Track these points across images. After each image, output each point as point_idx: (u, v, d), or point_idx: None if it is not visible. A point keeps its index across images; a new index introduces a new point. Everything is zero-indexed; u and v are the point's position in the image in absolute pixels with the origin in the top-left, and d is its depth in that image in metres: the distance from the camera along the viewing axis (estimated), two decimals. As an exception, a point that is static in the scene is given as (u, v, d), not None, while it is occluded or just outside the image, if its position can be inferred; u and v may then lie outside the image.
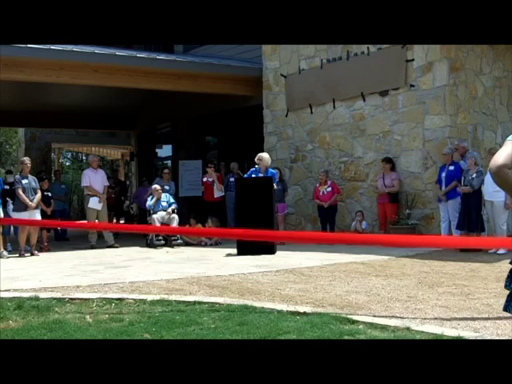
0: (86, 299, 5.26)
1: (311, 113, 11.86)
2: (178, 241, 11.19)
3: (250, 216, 8.60)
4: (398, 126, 10.45)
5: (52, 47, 10.36)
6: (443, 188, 9.40)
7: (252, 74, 12.85)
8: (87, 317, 4.55)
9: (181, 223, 11.41)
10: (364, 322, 4.12)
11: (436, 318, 4.29)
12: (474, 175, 8.84)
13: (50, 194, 11.24)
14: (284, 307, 4.67)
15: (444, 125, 9.81)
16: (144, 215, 12.96)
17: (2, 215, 9.79)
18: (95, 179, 11.18)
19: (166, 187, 12.01)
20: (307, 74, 11.86)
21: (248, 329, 3.97)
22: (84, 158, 31.20)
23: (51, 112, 17.83)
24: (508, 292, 2.30)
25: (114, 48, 11.76)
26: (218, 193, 12.17)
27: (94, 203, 10.99)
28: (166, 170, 13.02)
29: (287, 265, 7.47)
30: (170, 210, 11.08)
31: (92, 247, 10.90)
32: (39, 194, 9.99)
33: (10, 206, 10.21)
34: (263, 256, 8.53)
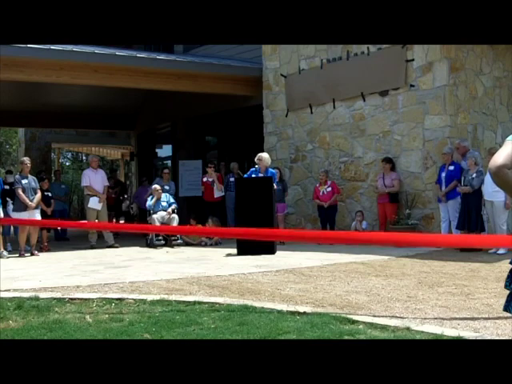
0: (85, 299, 5.26)
1: (311, 113, 11.86)
2: (178, 241, 11.19)
3: (250, 216, 8.60)
4: (398, 126, 10.45)
5: (52, 47, 10.36)
6: (443, 188, 9.40)
7: (252, 74, 12.85)
8: (87, 317, 4.55)
9: (181, 223, 11.41)
10: (364, 322, 4.12)
11: (436, 318, 4.29)
12: (474, 175, 8.84)
13: (50, 194, 11.24)
14: (284, 307, 4.67)
15: (444, 125, 9.81)
16: (144, 215, 12.96)
17: (2, 215, 9.79)
18: (95, 179, 11.18)
19: (166, 187, 12.01)
20: (307, 74, 11.86)
21: (248, 329, 3.97)
22: (84, 158, 31.20)
23: (51, 112, 17.83)
24: (508, 292, 2.30)
25: (114, 48, 11.76)
26: (217, 193, 12.17)
27: (94, 203, 11.00)
28: (166, 170, 13.02)
29: (287, 265, 7.47)
30: (170, 210, 11.08)
31: (92, 247, 10.90)
32: (39, 194, 9.99)
33: (10, 206, 10.21)
34: (263, 256, 8.53)
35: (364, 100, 10.94)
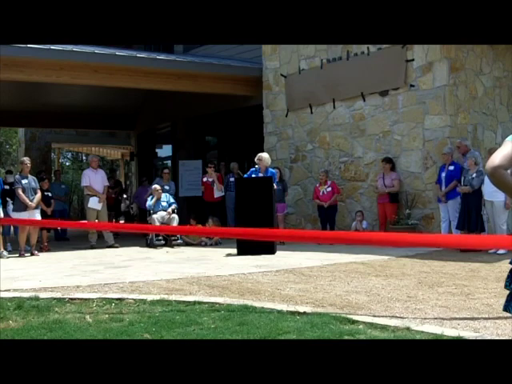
0: (86, 299, 5.26)
1: (311, 113, 11.86)
2: (178, 241, 11.20)
3: (249, 216, 8.61)
4: (398, 125, 10.45)
5: (52, 47, 10.36)
6: (443, 188, 9.40)
7: (252, 74, 12.85)
8: (87, 317, 4.55)
9: (181, 223, 11.41)
10: (364, 322, 4.12)
11: (436, 318, 4.29)
12: (474, 175, 8.84)
13: (50, 194, 11.24)
14: (284, 307, 4.67)
15: (444, 125, 9.81)
16: (144, 215, 12.97)
17: (2, 215, 9.79)
18: (95, 179, 11.18)
19: (166, 187, 12.01)
20: (307, 74, 11.86)
21: (248, 329, 3.97)
22: (84, 157, 31.20)
23: (51, 112, 17.83)
24: (508, 292, 2.30)
25: (114, 48, 11.76)
26: (217, 193, 12.17)
27: (94, 203, 11.00)
28: (166, 170, 13.02)
29: (287, 265, 7.47)
30: (170, 210, 11.08)
31: (92, 247, 10.90)
32: (39, 194, 9.99)
33: (10, 206, 10.21)
34: (263, 256, 8.53)
35: (364, 100, 10.94)
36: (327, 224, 10.86)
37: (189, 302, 4.98)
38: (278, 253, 8.92)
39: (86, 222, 12.31)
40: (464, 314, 4.44)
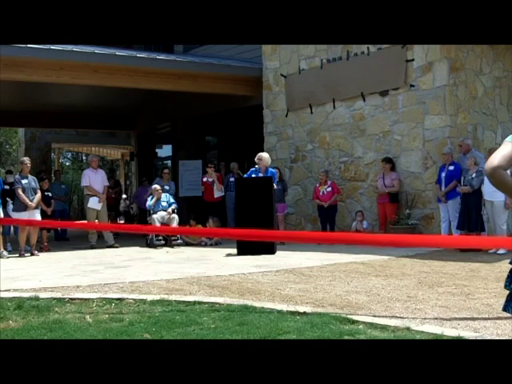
0: (85, 299, 5.26)
1: (311, 113, 11.86)
2: (178, 241, 11.19)
3: (249, 216, 8.61)
4: (398, 125, 10.45)
5: (52, 47, 10.36)
6: (443, 188, 9.40)
7: (252, 74, 12.85)
8: (87, 317, 4.55)
9: (181, 223, 11.41)
10: (364, 322, 4.12)
11: (436, 318, 4.29)
12: (474, 175, 8.84)
13: (50, 194, 11.24)
14: (284, 307, 4.67)
15: (444, 125, 9.81)
16: (144, 215, 12.97)
17: (2, 215, 9.79)
18: (95, 179, 11.18)
19: (166, 187, 12.01)
20: (307, 74, 11.86)
21: (248, 329, 3.97)
22: (84, 157, 31.21)
23: (51, 112, 17.83)
24: (508, 292, 2.30)
25: (114, 48, 11.76)
26: (217, 193, 12.17)
27: (94, 203, 10.99)
28: (166, 170, 13.02)
29: (287, 265, 7.47)
30: (170, 210, 11.08)
31: (92, 247, 10.90)
32: (39, 194, 9.99)
33: (10, 206, 10.21)
34: (263, 256, 8.53)
35: (364, 100, 10.94)
36: (327, 224, 10.86)
37: (189, 302, 4.98)
38: (278, 253, 8.92)
39: (85, 222, 12.32)
40: (464, 314, 4.44)
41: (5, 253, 9.65)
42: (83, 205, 15.25)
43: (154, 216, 10.97)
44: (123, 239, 12.46)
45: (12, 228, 11.58)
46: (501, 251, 8.30)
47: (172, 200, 11.43)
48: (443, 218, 9.54)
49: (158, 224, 10.77)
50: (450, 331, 3.83)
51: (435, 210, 9.85)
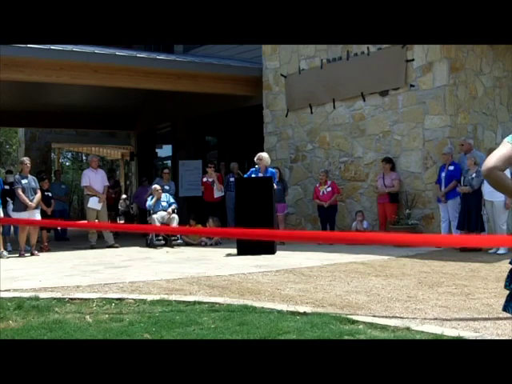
0: (85, 299, 5.25)
1: (311, 113, 11.86)
2: (178, 241, 11.19)
3: (250, 216, 8.60)
4: (398, 126, 10.45)
5: (52, 47, 10.36)
6: (443, 188, 9.40)
7: (252, 74, 12.85)
8: (87, 317, 4.55)
9: (181, 223, 11.41)
10: (364, 322, 4.12)
11: (436, 318, 4.29)
12: (474, 175, 8.84)
13: (50, 194, 11.24)
14: (284, 307, 4.67)
15: (444, 125, 9.81)
16: (144, 215, 12.97)
17: (2, 215, 9.79)
18: (95, 179, 11.18)
19: (166, 187, 12.01)
20: (307, 74, 11.86)
21: (248, 329, 3.97)
22: (84, 157, 31.21)
23: (51, 112, 17.83)
24: (508, 292, 2.30)
25: (114, 48, 11.75)
26: (217, 193, 12.17)
27: (94, 203, 10.99)
28: (166, 170, 13.02)
29: (287, 265, 7.47)
30: (170, 210, 11.08)
31: (92, 247, 10.89)
32: (39, 194, 9.99)
33: (10, 206, 10.21)
34: (263, 256, 8.53)
35: (364, 100, 10.94)
36: (327, 224, 10.86)
37: (189, 302, 4.98)
38: (278, 253, 8.92)
39: (85, 222, 12.32)
40: (464, 314, 4.44)
41: (5, 253, 9.65)
42: (83, 205, 15.25)
43: (154, 216, 10.97)
44: (123, 239, 12.46)
45: (12, 228, 11.58)
46: (501, 251, 8.30)
47: (172, 200, 11.43)
48: (443, 218, 9.54)
49: (158, 224, 10.77)
50: (449, 331, 3.83)
51: (435, 210, 9.85)
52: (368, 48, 10.82)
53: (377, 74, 10.62)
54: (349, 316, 4.28)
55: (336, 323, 4.08)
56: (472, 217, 8.82)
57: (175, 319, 4.34)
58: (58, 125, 19.52)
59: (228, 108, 13.98)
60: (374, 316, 4.36)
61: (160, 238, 11.16)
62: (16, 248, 10.04)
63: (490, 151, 9.51)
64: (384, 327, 3.98)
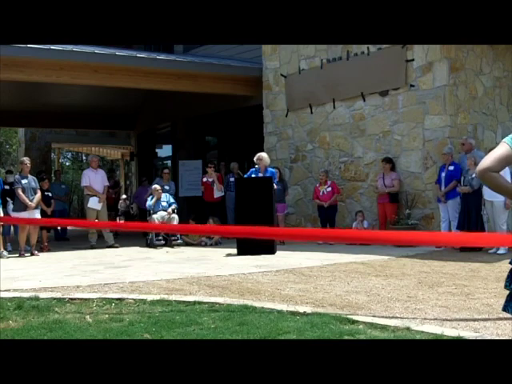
0: (86, 299, 5.26)
1: (311, 113, 11.86)
2: (178, 241, 11.19)
3: (250, 216, 8.60)
4: (398, 126, 10.45)
5: (52, 47, 10.36)
6: (443, 188, 9.40)
7: (252, 74, 12.85)
8: (87, 317, 4.55)
9: (181, 223, 11.39)
10: (364, 322, 4.12)
11: (436, 318, 4.29)
12: (474, 175, 8.84)
13: (50, 194, 11.24)
14: (284, 307, 4.67)
15: (444, 125, 9.81)
16: (144, 215, 12.96)
17: (2, 215, 9.78)
18: (95, 179, 11.18)
19: (166, 187, 12.01)
20: (307, 74, 11.86)
21: (248, 329, 3.97)
22: (84, 157, 31.20)
23: (51, 112, 17.83)
24: (508, 292, 2.30)
25: (114, 48, 11.75)
26: (217, 193, 12.17)
27: (94, 203, 10.99)
28: (166, 170, 13.02)
29: (287, 265, 7.47)
30: (170, 210, 11.08)
31: (92, 247, 10.89)
32: (39, 194, 9.99)
33: (10, 206, 10.21)
34: (263, 256, 8.53)
35: (364, 100, 10.94)
36: (327, 224, 10.86)
37: (189, 302, 4.98)
38: (278, 253, 8.92)
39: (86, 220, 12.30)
40: (464, 314, 4.44)
41: (5, 253, 9.65)
42: (83, 205, 15.24)
43: (154, 216, 10.97)
44: (123, 239, 12.46)
45: (12, 228, 11.58)
46: (501, 251, 8.30)
47: (172, 200, 11.43)
48: (443, 218, 9.54)
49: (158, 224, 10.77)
50: (449, 331, 3.83)
51: (435, 210, 9.86)
52: (368, 48, 10.82)
53: (377, 74, 10.62)
54: (349, 316, 4.28)
55: (336, 323, 4.08)
56: (472, 217, 8.82)
57: (175, 319, 4.34)
58: (57, 125, 19.52)
59: (228, 108, 13.98)
60: (374, 316, 4.36)
61: (160, 237, 11.16)
62: (16, 248, 10.04)
63: (489, 151, 9.50)
64: (384, 327, 3.98)
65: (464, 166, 9.24)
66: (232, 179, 11.95)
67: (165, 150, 17.87)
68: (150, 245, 10.88)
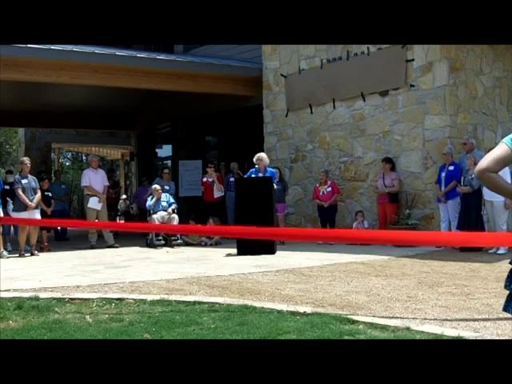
0: (85, 299, 5.26)
1: (311, 113, 11.86)
2: (178, 241, 11.19)
3: (250, 216, 8.60)
4: (398, 125, 10.45)
5: (52, 47, 10.36)
6: (443, 188, 9.40)
7: (252, 74, 12.85)
8: (87, 317, 4.55)
9: (181, 223, 11.40)
10: (364, 322, 4.12)
11: (436, 318, 4.29)
12: (474, 175, 8.83)
13: (50, 194, 11.24)
14: (284, 307, 4.67)
15: (444, 125, 9.81)
16: (144, 215, 12.96)
17: (2, 215, 9.78)
18: (95, 179, 11.18)
19: (166, 187, 12.01)
20: (307, 74, 11.86)
21: (248, 329, 3.97)
22: (84, 158, 31.20)
23: (51, 112, 17.83)
24: (508, 292, 2.30)
25: (114, 48, 11.76)
26: (217, 193, 12.17)
27: (94, 203, 10.99)
28: (166, 170, 13.02)
29: (287, 265, 7.47)
30: (170, 210, 11.08)
31: (92, 247, 10.90)
32: (39, 194, 9.99)
33: (10, 206, 10.21)
34: (263, 256, 8.53)
35: (364, 100, 10.94)
36: (327, 224, 10.86)
37: (189, 302, 4.98)
38: (278, 253, 8.92)
39: (86, 221, 12.30)
40: (464, 314, 4.44)
41: (5, 253, 9.65)
42: (83, 205, 15.24)
43: (154, 216, 10.97)
44: (123, 239, 12.46)
45: (12, 228, 11.58)
46: (501, 251, 8.30)
47: (172, 200, 11.43)
48: (443, 218, 9.54)
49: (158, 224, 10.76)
50: (449, 331, 3.83)
51: (435, 210, 9.86)
52: (368, 48, 10.82)
53: (377, 74, 10.62)
54: (349, 316, 4.28)
55: (336, 323, 4.08)
56: (472, 217, 8.82)
57: (175, 319, 4.34)
58: (57, 125, 19.52)
59: (228, 108, 13.98)
60: (374, 316, 4.36)
61: (160, 238, 11.16)
62: (16, 248, 10.04)
63: (489, 151, 9.50)
64: (384, 327, 3.98)
65: (464, 166, 9.25)
66: (232, 179, 11.95)
67: (165, 150, 17.87)
68: (150, 245, 10.88)
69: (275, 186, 9.26)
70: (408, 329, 3.91)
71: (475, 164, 8.89)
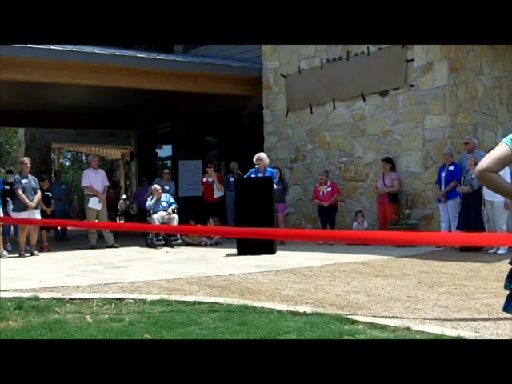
0: (86, 299, 5.26)
1: (311, 113, 11.86)
2: (178, 241, 11.19)
3: (250, 216, 8.60)
4: (398, 125, 10.45)
5: (52, 47, 10.36)
6: (443, 188, 9.40)
7: (252, 74, 12.85)
8: (87, 317, 4.55)
9: (181, 223, 11.41)
10: (364, 322, 4.12)
11: (436, 318, 4.29)
12: (474, 175, 8.84)
13: (50, 194, 11.24)
14: (284, 307, 4.67)
15: (444, 125, 9.81)
16: (144, 215, 12.97)
17: (2, 215, 9.78)
18: (95, 179, 11.18)
19: (166, 187, 12.01)
20: (307, 74, 11.86)
21: (248, 329, 3.97)
22: (84, 158, 31.20)
23: (51, 112, 17.83)
24: (508, 292, 2.30)
25: (114, 48, 11.75)
26: (217, 193, 12.17)
27: (94, 203, 10.99)
28: (166, 170, 13.02)
29: (287, 265, 7.47)
30: (170, 210, 11.08)
31: (92, 247, 10.89)
32: (39, 194, 9.99)
33: (10, 206, 10.21)
34: (263, 256, 8.53)
35: (364, 100, 10.94)
36: (327, 224, 10.86)
37: (189, 301, 4.98)
38: (278, 253, 8.92)
39: (86, 221, 12.30)
40: (464, 314, 4.44)
41: (5, 253, 9.65)
42: (83, 205, 15.26)
43: (154, 216, 10.97)
44: (123, 239, 12.46)
45: (12, 228, 11.58)
46: (501, 251, 8.30)
47: (172, 200, 11.43)
48: (443, 218, 9.54)
49: (158, 224, 10.76)
50: (449, 331, 3.83)
51: (435, 210, 9.86)
52: (368, 48, 10.82)
53: (377, 74, 10.62)
54: (349, 316, 4.28)
55: (336, 323, 4.08)
56: (472, 217, 8.82)
57: (175, 319, 4.34)
58: (57, 125, 19.53)
59: (228, 108, 13.98)
60: (374, 316, 4.36)
61: (160, 237, 11.16)
62: (16, 248, 10.04)
63: (489, 151, 9.49)
64: (384, 327, 3.98)
65: (464, 166, 9.25)
66: (232, 179, 11.95)
67: (165, 150, 17.88)
68: (150, 245, 10.88)
69: (275, 186, 9.26)
70: (408, 329, 3.91)
71: (475, 164, 8.89)
